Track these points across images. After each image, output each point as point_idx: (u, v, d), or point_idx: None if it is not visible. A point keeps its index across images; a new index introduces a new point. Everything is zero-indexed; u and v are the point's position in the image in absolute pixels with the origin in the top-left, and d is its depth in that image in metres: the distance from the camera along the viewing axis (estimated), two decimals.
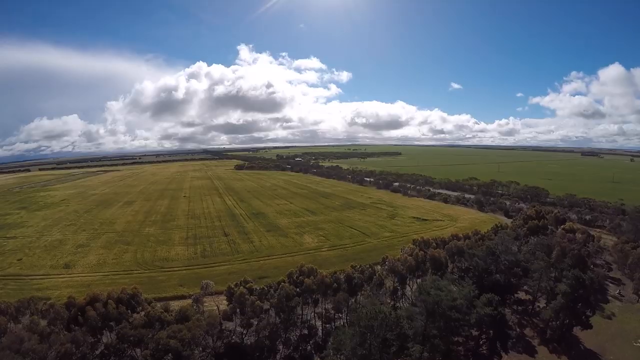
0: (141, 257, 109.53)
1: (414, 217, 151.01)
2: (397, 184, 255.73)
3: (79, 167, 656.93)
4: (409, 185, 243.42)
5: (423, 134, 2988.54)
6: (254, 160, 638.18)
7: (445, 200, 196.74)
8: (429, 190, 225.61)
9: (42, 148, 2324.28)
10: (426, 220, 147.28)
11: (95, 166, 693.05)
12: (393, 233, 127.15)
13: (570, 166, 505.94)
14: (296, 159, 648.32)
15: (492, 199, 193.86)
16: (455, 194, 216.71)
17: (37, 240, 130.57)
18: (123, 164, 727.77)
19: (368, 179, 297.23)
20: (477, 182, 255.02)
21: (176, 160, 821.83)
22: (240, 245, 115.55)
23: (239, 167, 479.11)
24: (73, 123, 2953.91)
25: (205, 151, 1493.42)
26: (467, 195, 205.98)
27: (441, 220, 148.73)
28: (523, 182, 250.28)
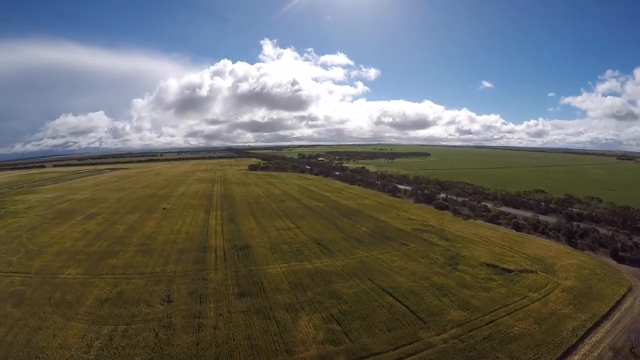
0: (3, 351, 58.55)
1: (488, 265, 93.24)
2: (442, 195, 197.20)
3: (93, 164, 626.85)
4: (459, 200, 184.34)
5: (450, 134, 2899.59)
6: (274, 159, 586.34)
7: (517, 226, 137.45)
8: (487, 207, 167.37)
9: (70, 144, 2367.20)
10: (509, 271, 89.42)
11: (109, 163, 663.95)
12: (467, 312, 68.70)
13: (616, 172, 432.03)
14: (319, 159, 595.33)
15: (580, 225, 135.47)
16: (525, 214, 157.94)
17: None
18: (138, 161, 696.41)
19: (402, 187, 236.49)
20: (544, 196, 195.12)
21: (194, 158, 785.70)
22: (176, 336, 60.76)
23: (252, 168, 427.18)
24: (99, 119, 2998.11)
25: (230, 149, 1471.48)
26: (541, 218, 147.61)
27: (532, 270, 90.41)
28: (581, 193, 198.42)
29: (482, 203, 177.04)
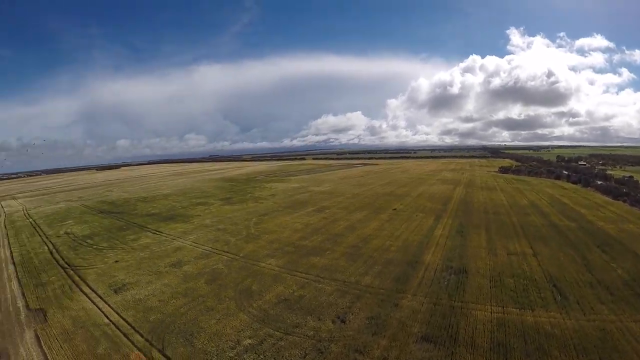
0: (170, 319, 66.34)
1: None
2: None
3: (348, 159, 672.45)
4: None
5: None
6: (528, 161, 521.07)
7: None
8: None
9: (331, 140, 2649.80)
10: None
11: (363, 158, 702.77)
12: None
13: None
14: (579, 163, 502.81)
15: None
16: None
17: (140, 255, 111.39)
18: (390, 158, 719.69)
19: None
20: None
21: (445, 157, 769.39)
22: None
23: (503, 170, 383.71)
24: (356, 119, 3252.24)
25: (484, 148, 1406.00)
26: None
27: None
28: None
29: None
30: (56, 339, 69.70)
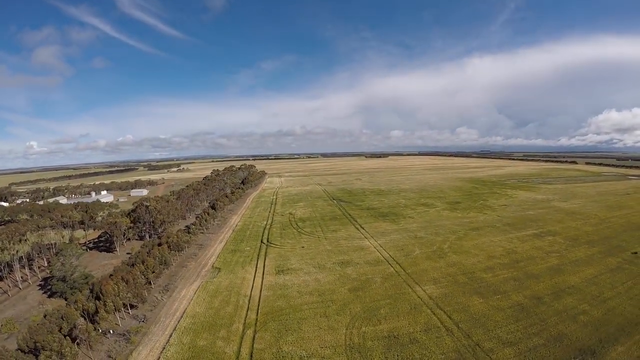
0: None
1: None
2: None
3: (626, 167, 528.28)
4: None
5: None
6: None
7: None
8: None
9: (614, 141, 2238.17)
10: None
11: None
12: None
13: None
14: None
15: None
16: None
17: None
18: None
19: None
20: None
21: None
22: None
23: None
24: None
25: None
26: None
27: None
28: None
29: None
30: (206, 291, 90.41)
